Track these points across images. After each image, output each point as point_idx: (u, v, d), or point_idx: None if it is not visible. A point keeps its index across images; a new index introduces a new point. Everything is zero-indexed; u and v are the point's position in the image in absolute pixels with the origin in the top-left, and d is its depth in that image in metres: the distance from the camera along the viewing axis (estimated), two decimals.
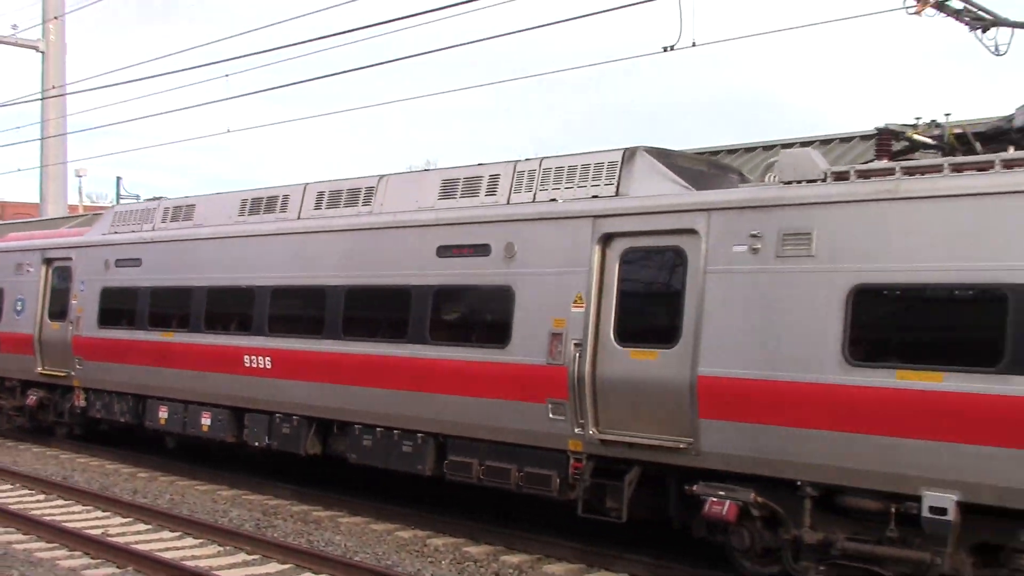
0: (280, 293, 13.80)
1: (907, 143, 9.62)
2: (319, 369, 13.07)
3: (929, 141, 9.43)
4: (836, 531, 9.00)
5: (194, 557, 10.87)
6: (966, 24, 9.56)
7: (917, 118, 9.62)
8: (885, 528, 8.64)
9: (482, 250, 11.59)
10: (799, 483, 9.08)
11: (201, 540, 11.63)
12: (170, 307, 15.40)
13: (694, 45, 11.21)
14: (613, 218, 10.57)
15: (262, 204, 14.73)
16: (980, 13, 9.61)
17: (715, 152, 16.87)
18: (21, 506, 13.26)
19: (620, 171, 10.89)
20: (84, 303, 16.95)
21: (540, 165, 11.70)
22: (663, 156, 10.96)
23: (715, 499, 9.52)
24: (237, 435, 14.39)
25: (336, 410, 12.98)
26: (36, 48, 28.06)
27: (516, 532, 11.72)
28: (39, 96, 26.92)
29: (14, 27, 28.38)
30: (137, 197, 26.42)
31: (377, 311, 12.66)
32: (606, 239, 10.58)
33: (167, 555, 10.68)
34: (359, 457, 12.80)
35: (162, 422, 15.44)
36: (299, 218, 14.03)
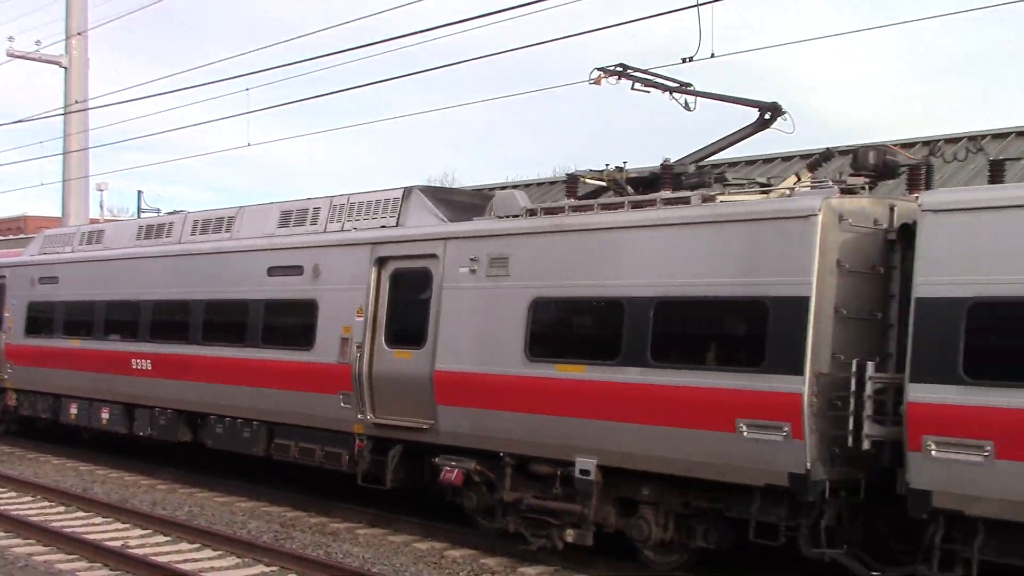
0: (159, 306, 16.51)
1: (596, 185, 12.04)
2: (186, 369, 15.75)
3: (602, 184, 11.84)
4: (526, 491, 11.49)
5: (213, 569, 10.94)
6: (643, 91, 11.89)
7: (606, 164, 12.04)
8: (553, 487, 11.13)
9: (297, 270, 14.21)
10: (502, 454, 11.58)
11: (220, 552, 11.68)
12: (79, 318, 18.16)
13: (713, 56, 11.43)
14: (385, 244, 13.14)
15: (154, 230, 17.46)
16: (657, 81, 11.97)
17: (734, 164, 18.07)
18: (42, 518, 13.38)
19: (400, 206, 13.43)
20: (15, 315, 19.78)
21: (348, 200, 14.28)
22: (433, 193, 13.48)
23: (447, 468, 12.04)
24: (129, 427, 17.08)
25: (199, 403, 15.64)
26: (59, 63, 28.03)
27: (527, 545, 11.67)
28: (62, 111, 27.23)
29: (37, 43, 28.24)
30: (158, 211, 27.91)
31: (227, 320, 15.30)
32: (381, 262, 13.13)
33: (186, 567, 10.80)
34: (213, 443, 15.46)
35: (72, 417, 18.20)
36: (179, 242, 16.72)
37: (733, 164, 16.12)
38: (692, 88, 12.01)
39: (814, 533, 9.31)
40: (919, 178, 10.14)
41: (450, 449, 12.13)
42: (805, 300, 9.14)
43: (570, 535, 11.09)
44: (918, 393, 8.52)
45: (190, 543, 12.11)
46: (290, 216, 14.98)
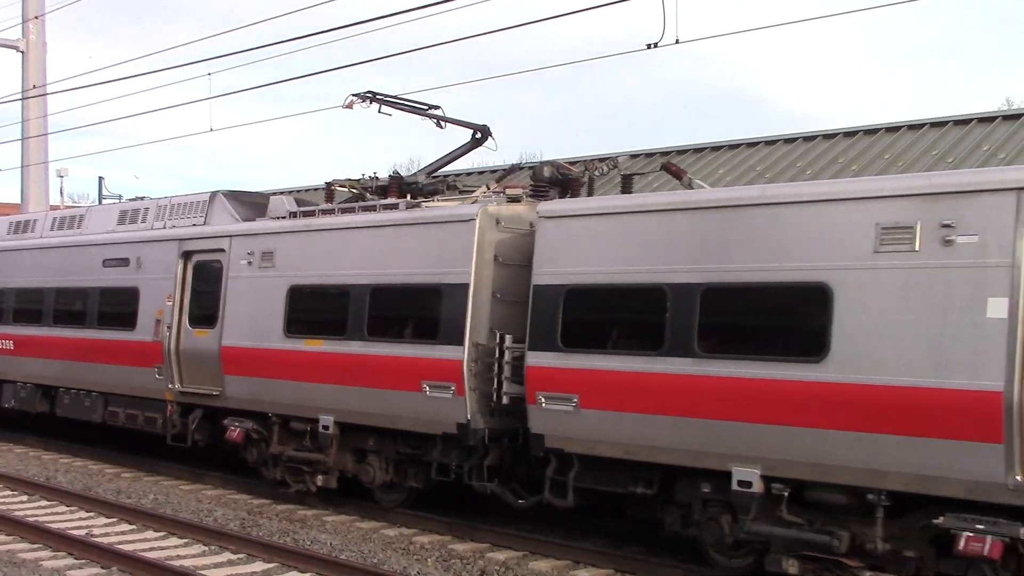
0: (21, 293, 18.81)
1: (352, 191, 14.44)
2: (41, 349, 18.09)
3: (344, 191, 14.26)
4: (288, 445, 13.94)
5: (179, 557, 10.86)
6: (387, 114, 14.26)
7: (363, 174, 14.44)
8: (305, 441, 13.59)
9: (125, 262, 16.55)
10: (270, 415, 14.02)
11: (186, 540, 11.66)
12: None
13: (678, 42, 11.43)
14: (189, 240, 15.52)
15: (21, 226, 19.71)
16: (404, 104, 14.35)
17: (699, 150, 17.97)
18: (3, 507, 13.27)
19: (207, 208, 15.78)
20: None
21: (170, 202, 16.63)
22: (235, 196, 15.82)
23: (232, 427, 14.47)
24: None
25: (51, 378, 17.98)
26: (16, 48, 27.42)
27: (501, 529, 12.03)
28: (19, 96, 26.75)
29: None
30: (119, 197, 27.53)
31: (72, 306, 17.64)
32: (186, 255, 15.51)
33: (152, 555, 10.70)
34: (62, 412, 17.81)
35: None
36: (40, 237, 19.01)
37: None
38: (440, 111, 14.42)
39: (479, 471, 11.78)
40: (578, 189, 12.57)
41: (235, 411, 14.54)
42: (465, 287, 11.60)
43: (319, 480, 13.54)
44: (532, 359, 11.01)
45: (156, 531, 12.13)
46: (126, 215, 17.30)
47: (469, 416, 11.58)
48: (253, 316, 14.20)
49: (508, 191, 12.41)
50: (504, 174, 13.87)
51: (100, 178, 37.73)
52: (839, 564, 9.03)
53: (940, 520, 8.36)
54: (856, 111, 78.34)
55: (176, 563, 10.43)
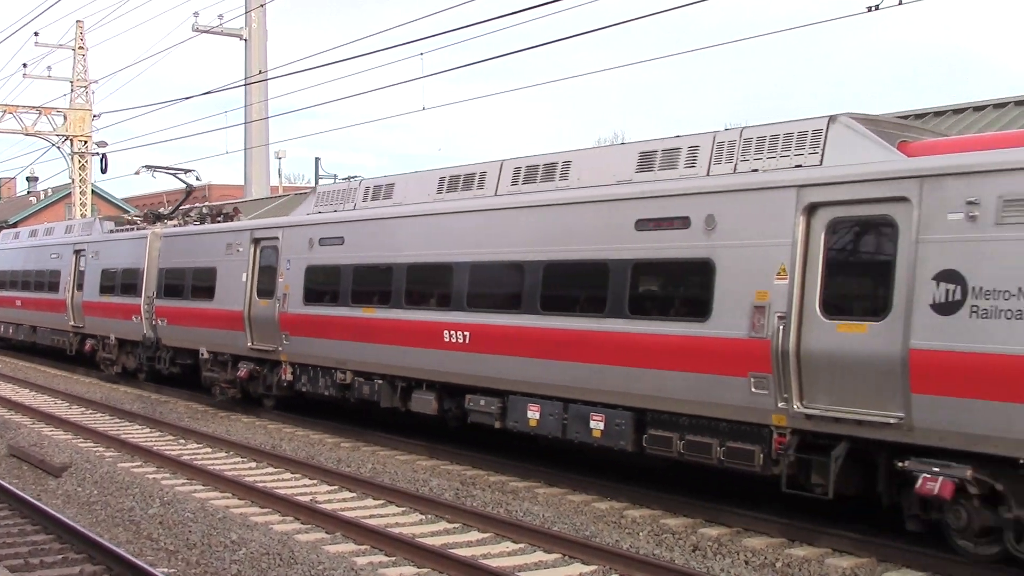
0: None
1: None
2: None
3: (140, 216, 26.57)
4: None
5: (398, 524, 11.19)
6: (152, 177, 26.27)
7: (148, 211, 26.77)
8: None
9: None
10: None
11: (403, 508, 12.00)
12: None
13: (900, 4, 11.41)
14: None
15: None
16: (167, 170, 25.92)
17: (921, 115, 16.71)
18: (235, 473, 13.90)
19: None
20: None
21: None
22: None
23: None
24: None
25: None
26: (240, 36, 29.73)
27: (715, 505, 11.78)
28: (243, 82, 28.66)
29: (220, 17, 30.44)
30: (335, 177, 30.00)
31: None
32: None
33: (372, 522, 11.10)
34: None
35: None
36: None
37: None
38: (194, 173, 26.12)
39: (161, 362, 23.54)
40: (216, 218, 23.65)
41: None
42: (142, 270, 23.28)
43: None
44: (157, 303, 22.62)
45: (375, 499, 12.54)
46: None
47: (146, 331, 23.03)
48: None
49: (170, 221, 24.58)
50: (187, 211, 25.32)
51: (316, 159, 40.26)
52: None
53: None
54: None
55: (395, 530, 10.74)
